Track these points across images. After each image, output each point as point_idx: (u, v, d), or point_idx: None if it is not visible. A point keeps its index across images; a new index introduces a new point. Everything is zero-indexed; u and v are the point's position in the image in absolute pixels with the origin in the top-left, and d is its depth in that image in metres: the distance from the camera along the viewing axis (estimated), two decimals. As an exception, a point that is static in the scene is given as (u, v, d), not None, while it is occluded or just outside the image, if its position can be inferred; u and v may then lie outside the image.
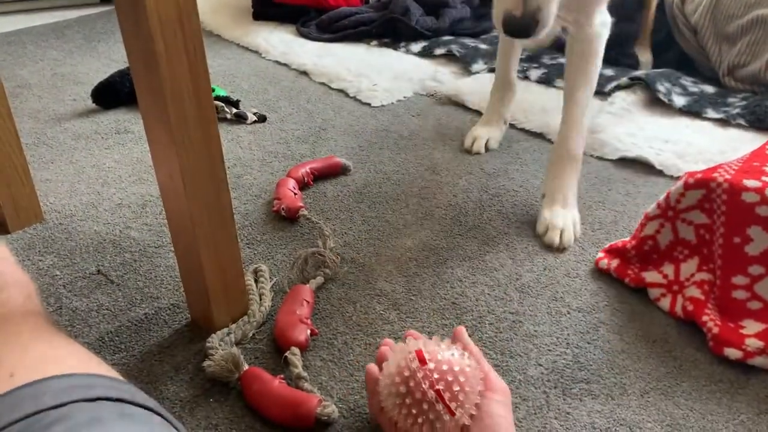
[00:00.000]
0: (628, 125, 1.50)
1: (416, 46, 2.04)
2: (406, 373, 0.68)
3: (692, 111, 1.54)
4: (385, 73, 1.86)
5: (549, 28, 0.92)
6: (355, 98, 1.75)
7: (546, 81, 1.75)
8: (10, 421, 0.41)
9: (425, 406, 0.66)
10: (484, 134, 1.43)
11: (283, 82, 1.87)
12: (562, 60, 1.87)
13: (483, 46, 2.00)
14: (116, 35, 2.28)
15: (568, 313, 0.96)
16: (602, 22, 1.13)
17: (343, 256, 1.09)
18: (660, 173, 1.34)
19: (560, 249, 1.10)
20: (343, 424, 0.79)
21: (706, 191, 0.90)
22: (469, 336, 0.91)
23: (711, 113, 1.52)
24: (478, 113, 1.59)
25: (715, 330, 0.87)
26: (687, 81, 1.68)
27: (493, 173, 1.35)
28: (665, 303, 0.95)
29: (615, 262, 1.03)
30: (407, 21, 2.09)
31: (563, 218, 1.13)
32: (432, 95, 1.76)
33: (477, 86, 1.74)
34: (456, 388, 0.67)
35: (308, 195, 1.28)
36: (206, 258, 0.85)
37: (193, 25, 0.73)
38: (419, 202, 1.25)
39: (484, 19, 2.20)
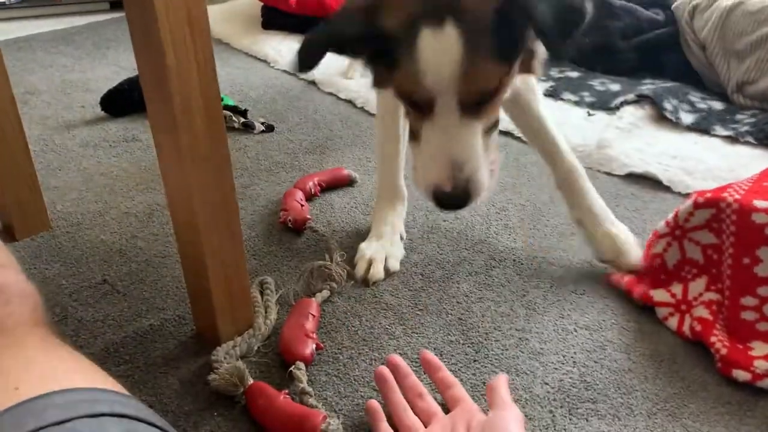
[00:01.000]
0: (636, 141, 1.50)
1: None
2: None
3: (700, 128, 1.54)
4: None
5: (485, 191, 0.83)
6: (362, 109, 1.75)
7: (553, 94, 1.75)
8: (14, 437, 0.41)
9: None
10: (380, 254, 1.08)
11: (292, 92, 1.88)
12: (570, 74, 1.87)
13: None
14: (125, 42, 2.29)
15: (575, 330, 0.96)
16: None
17: (349, 270, 1.08)
18: (668, 189, 1.34)
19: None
20: (348, 440, 0.78)
21: (715, 211, 0.90)
22: (475, 353, 0.91)
23: (719, 130, 1.52)
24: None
25: (724, 351, 0.86)
26: (695, 97, 1.68)
27: (500, 187, 1.35)
28: (673, 322, 0.95)
29: (627, 277, 1.02)
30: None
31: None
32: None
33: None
34: None
35: (315, 206, 1.28)
36: (212, 270, 0.85)
37: (204, 38, 0.73)
38: (426, 215, 1.25)
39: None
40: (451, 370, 0.87)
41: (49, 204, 1.25)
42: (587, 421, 0.81)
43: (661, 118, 1.59)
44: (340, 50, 0.85)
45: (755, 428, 0.80)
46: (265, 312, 0.96)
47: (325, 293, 1.01)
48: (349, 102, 1.80)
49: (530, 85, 1.06)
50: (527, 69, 0.86)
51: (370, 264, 1.07)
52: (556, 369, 0.89)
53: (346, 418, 0.81)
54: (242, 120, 1.62)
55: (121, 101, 1.69)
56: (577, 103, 1.69)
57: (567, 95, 1.73)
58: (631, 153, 1.44)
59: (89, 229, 1.21)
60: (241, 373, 0.82)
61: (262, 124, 1.62)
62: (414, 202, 1.27)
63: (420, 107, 0.82)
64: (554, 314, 0.99)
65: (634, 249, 1.05)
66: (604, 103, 1.65)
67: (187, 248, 0.87)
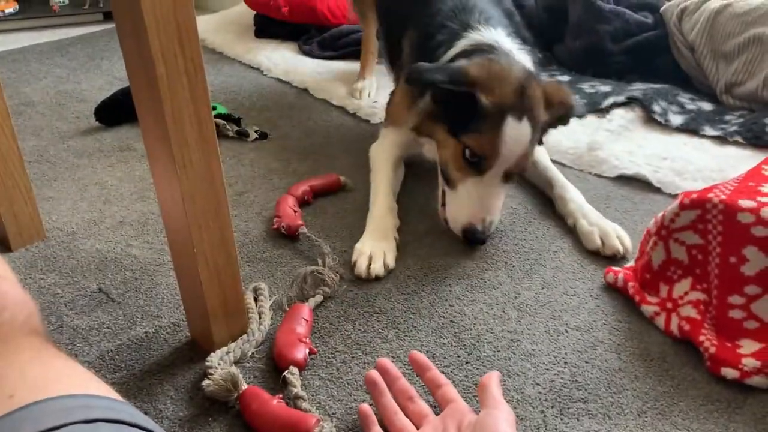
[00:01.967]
0: (626, 143, 1.51)
1: (416, 64, 2.06)
2: None
3: (690, 129, 1.55)
4: (384, 91, 1.88)
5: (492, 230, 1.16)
6: (354, 115, 1.77)
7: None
8: (9, 444, 0.42)
9: None
10: (378, 250, 1.12)
11: (285, 100, 1.89)
12: (560, 77, 1.89)
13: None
14: (119, 53, 2.28)
15: (566, 331, 0.97)
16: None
17: (342, 275, 1.09)
18: (658, 191, 1.35)
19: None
20: (341, 443, 0.79)
21: (701, 212, 0.91)
22: (467, 355, 0.92)
23: (708, 130, 1.53)
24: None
25: (712, 350, 0.87)
26: (684, 98, 1.69)
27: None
28: (660, 321, 0.96)
29: (622, 274, 1.03)
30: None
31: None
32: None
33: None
34: None
35: (308, 212, 1.29)
36: (206, 277, 0.86)
37: (193, 48, 0.74)
38: (419, 219, 1.26)
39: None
40: (443, 372, 0.88)
41: (43, 214, 1.26)
42: (578, 420, 0.82)
43: (650, 120, 1.60)
44: (437, 86, 1.12)
45: (744, 425, 0.81)
46: (259, 318, 0.97)
47: (318, 298, 1.02)
48: (342, 108, 1.81)
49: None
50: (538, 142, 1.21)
51: (370, 260, 1.10)
52: (547, 369, 0.90)
53: (340, 421, 0.82)
54: (236, 128, 1.63)
55: (115, 111, 1.70)
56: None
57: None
58: (621, 155, 1.46)
59: (84, 239, 1.21)
60: (235, 378, 0.83)
61: (256, 131, 1.64)
62: (409, 207, 1.28)
63: (475, 165, 1.12)
64: (546, 315, 1.00)
65: (615, 237, 1.15)
66: (594, 105, 1.67)
67: (180, 256, 0.88)
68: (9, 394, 0.47)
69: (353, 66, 2.10)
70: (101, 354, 0.93)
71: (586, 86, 1.80)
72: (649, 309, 0.98)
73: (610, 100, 1.66)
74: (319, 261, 1.10)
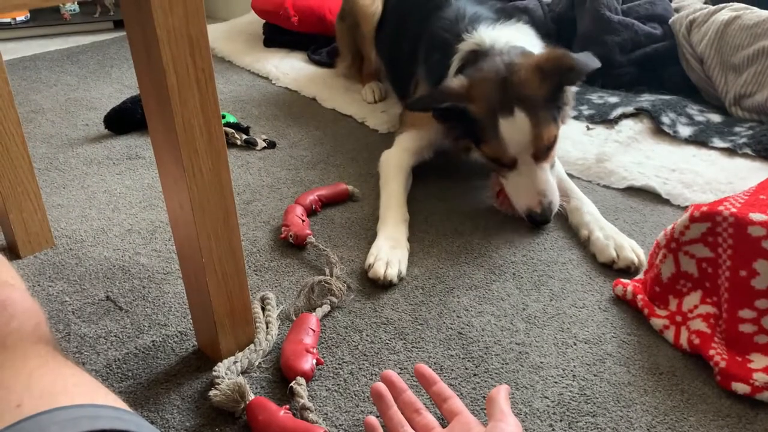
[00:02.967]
0: (635, 154, 1.51)
1: (424, 74, 2.07)
2: None
3: (698, 140, 1.55)
4: (392, 99, 1.88)
5: (556, 209, 1.23)
6: (363, 124, 1.77)
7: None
8: (16, 455, 0.42)
9: None
10: (394, 256, 1.13)
11: (293, 109, 1.90)
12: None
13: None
14: (129, 61, 2.32)
15: (575, 344, 0.96)
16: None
17: (350, 285, 1.09)
18: (667, 202, 1.34)
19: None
20: (348, 455, 0.79)
21: (711, 224, 0.90)
22: (475, 367, 0.91)
23: (717, 142, 1.53)
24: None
25: (723, 364, 0.86)
26: (693, 110, 1.69)
27: (500, 201, 1.35)
28: (669, 335, 0.95)
29: (632, 286, 1.03)
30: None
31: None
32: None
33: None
34: None
35: (316, 222, 1.29)
36: (214, 286, 0.86)
37: (204, 58, 0.74)
38: (426, 230, 1.26)
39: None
40: (451, 385, 0.87)
41: (52, 221, 1.27)
42: (587, 434, 0.81)
43: (659, 131, 1.60)
44: (438, 109, 1.25)
45: (755, 441, 0.80)
46: (266, 327, 0.97)
47: (326, 308, 1.02)
48: (350, 118, 1.81)
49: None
50: (562, 120, 1.27)
51: (387, 265, 1.11)
52: (555, 383, 0.89)
53: (347, 433, 0.81)
54: (244, 137, 1.64)
55: (125, 119, 1.71)
56: (576, 117, 1.70)
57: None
58: (630, 166, 1.45)
59: (92, 246, 1.22)
60: (242, 388, 0.82)
61: (264, 140, 1.64)
62: (416, 217, 1.28)
63: (505, 164, 1.22)
64: (554, 328, 0.99)
65: (630, 249, 1.14)
66: (603, 115, 1.66)
67: (188, 264, 0.88)
68: (17, 404, 0.47)
69: (361, 75, 2.11)
70: (108, 363, 0.93)
71: (595, 97, 1.80)
72: (658, 322, 0.97)
73: (619, 111, 1.66)
74: (327, 270, 1.10)
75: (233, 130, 1.64)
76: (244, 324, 0.93)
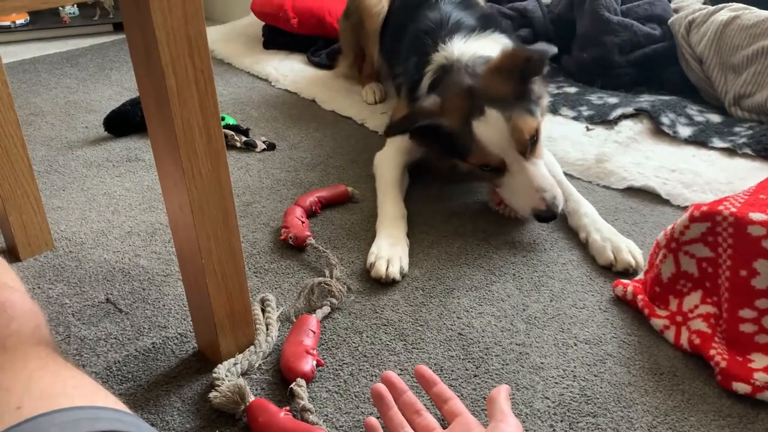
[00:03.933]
0: (635, 154, 1.51)
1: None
2: None
3: (698, 140, 1.55)
4: (392, 101, 1.88)
5: (562, 201, 1.20)
6: (362, 126, 1.77)
7: (552, 110, 1.76)
8: (16, 456, 0.42)
9: None
10: (395, 255, 1.14)
11: (293, 110, 1.90)
12: (568, 89, 1.89)
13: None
14: (129, 63, 2.31)
15: (575, 344, 0.96)
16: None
17: (350, 286, 1.09)
18: (667, 203, 1.34)
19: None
20: (348, 456, 0.78)
21: (711, 224, 0.90)
22: (475, 368, 0.91)
23: (717, 142, 1.53)
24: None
25: (723, 364, 0.86)
26: (693, 110, 1.69)
27: (499, 202, 1.35)
28: (670, 335, 0.95)
29: (632, 287, 1.03)
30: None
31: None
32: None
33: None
34: None
35: (316, 223, 1.29)
36: (213, 288, 0.86)
37: (203, 60, 0.74)
38: (426, 231, 1.26)
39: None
40: (451, 386, 0.87)
41: (52, 224, 1.27)
42: (588, 435, 0.81)
43: (659, 131, 1.60)
44: (414, 131, 1.26)
45: (756, 441, 0.80)
46: (266, 329, 0.97)
47: (326, 309, 1.02)
48: (350, 120, 1.81)
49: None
50: (541, 113, 1.24)
51: (388, 263, 1.11)
52: (556, 383, 0.89)
53: (347, 434, 0.81)
54: (244, 139, 1.64)
55: (124, 122, 1.71)
56: (575, 118, 1.70)
57: (565, 111, 1.74)
58: (629, 167, 1.45)
59: (92, 249, 1.22)
60: (242, 390, 0.82)
61: (264, 142, 1.64)
62: (416, 219, 1.28)
63: (497, 168, 1.20)
64: (554, 328, 0.99)
65: (628, 251, 1.13)
66: (603, 116, 1.66)
67: (188, 266, 0.88)
68: (17, 406, 0.47)
69: (361, 77, 2.11)
70: (108, 365, 0.93)
71: (594, 98, 1.80)
72: (658, 322, 0.97)
73: (618, 112, 1.66)
74: (327, 272, 1.10)
75: (233, 132, 1.64)
76: (244, 326, 0.92)
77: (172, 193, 0.82)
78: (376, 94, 1.90)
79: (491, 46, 1.35)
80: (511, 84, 1.19)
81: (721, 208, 0.90)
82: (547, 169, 1.23)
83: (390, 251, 1.14)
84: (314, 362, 0.90)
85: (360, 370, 0.92)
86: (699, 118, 1.65)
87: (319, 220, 1.30)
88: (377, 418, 0.81)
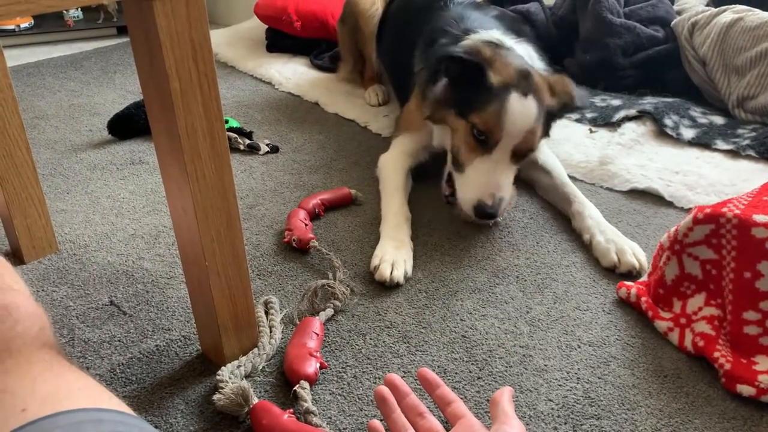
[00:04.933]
0: (638, 156, 1.51)
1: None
2: None
3: (702, 142, 1.54)
4: (394, 103, 1.88)
5: (506, 210, 1.22)
6: (365, 129, 1.77)
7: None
8: (21, 458, 0.42)
9: None
10: (399, 258, 1.13)
11: (296, 113, 1.90)
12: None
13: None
14: (132, 66, 2.32)
15: (579, 347, 0.96)
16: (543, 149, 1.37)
17: (353, 288, 1.09)
18: (670, 205, 1.34)
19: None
20: (352, 459, 0.78)
21: (714, 226, 0.90)
22: (479, 370, 0.91)
23: (721, 144, 1.53)
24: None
25: (727, 366, 0.86)
26: (696, 112, 1.69)
27: (503, 205, 1.35)
28: (674, 337, 0.95)
29: (635, 289, 1.02)
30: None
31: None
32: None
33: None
34: None
35: (319, 226, 1.29)
36: (217, 290, 0.86)
37: (207, 63, 0.74)
38: (429, 233, 1.26)
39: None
40: (454, 388, 0.87)
41: (56, 227, 1.27)
42: (591, 437, 0.81)
43: (662, 133, 1.60)
44: (450, 60, 1.22)
45: (761, 443, 0.80)
46: (270, 331, 0.97)
47: (329, 312, 1.02)
48: (353, 122, 1.82)
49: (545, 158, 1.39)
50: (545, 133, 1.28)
51: (393, 266, 1.11)
52: (560, 385, 0.89)
53: (351, 436, 0.81)
54: (247, 142, 1.64)
55: (128, 125, 1.72)
56: (578, 120, 1.70)
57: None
58: (633, 169, 1.45)
59: (96, 252, 1.22)
60: (245, 392, 0.82)
61: (267, 145, 1.64)
62: (419, 221, 1.28)
63: (483, 143, 1.18)
64: (558, 330, 0.99)
65: (631, 254, 1.13)
66: (606, 118, 1.66)
67: (192, 269, 0.88)
68: (21, 408, 0.47)
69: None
70: (112, 367, 0.93)
71: (597, 100, 1.80)
72: (662, 324, 0.97)
73: (622, 114, 1.66)
74: (330, 274, 1.10)
75: (236, 135, 1.65)
76: (247, 328, 0.93)
77: (175, 196, 0.82)
78: (379, 96, 1.90)
79: (533, 55, 1.36)
80: (551, 100, 1.23)
81: (724, 210, 0.89)
82: (551, 171, 1.23)
83: (394, 254, 1.13)
84: (317, 364, 0.90)
85: (363, 372, 0.92)
86: (702, 120, 1.65)
87: (322, 223, 1.30)
88: (380, 420, 0.81)
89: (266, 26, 2.47)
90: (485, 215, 1.18)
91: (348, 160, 1.58)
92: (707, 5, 1.91)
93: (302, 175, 1.51)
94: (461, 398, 0.82)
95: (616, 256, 1.12)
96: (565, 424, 0.83)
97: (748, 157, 1.48)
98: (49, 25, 2.90)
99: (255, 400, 0.83)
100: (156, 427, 0.83)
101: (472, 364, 0.93)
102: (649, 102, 1.72)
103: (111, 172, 1.54)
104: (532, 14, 2.07)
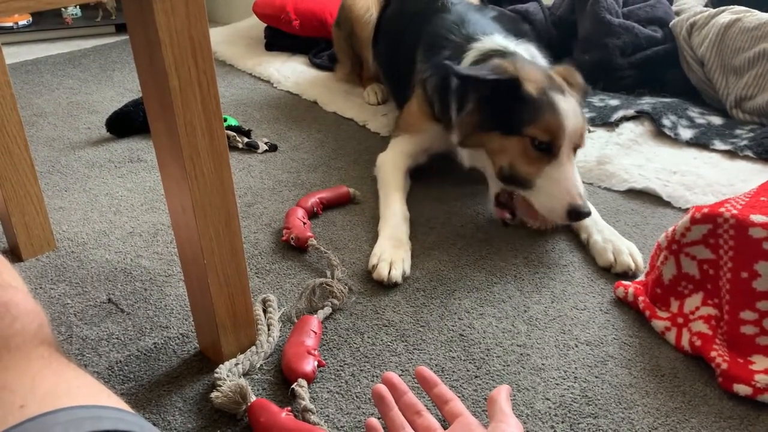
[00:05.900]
0: (636, 156, 1.51)
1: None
2: None
3: (699, 143, 1.55)
4: (393, 103, 1.88)
5: None
6: (364, 128, 1.77)
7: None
8: (19, 455, 0.42)
9: None
10: (397, 257, 1.13)
11: (295, 112, 1.90)
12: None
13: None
14: (131, 64, 2.32)
15: (576, 346, 0.96)
16: None
17: (351, 287, 1.09)
18: (668, 205, 1.34)
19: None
20: (350, 457, 0.79)
21: (712, 226, 0.90)
22: (477, 369, 0.91)
23: (718, 145, 1.53)
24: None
25: (724, 366, 0.86)
26: (694, 112, 1.69)
27: (501, 204, 1.35)
28: (671, 336, 0.95)
29: (633, 288, 1.03)
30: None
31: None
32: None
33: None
34: None
35: (317, 224, 1.29)
36: (215, 288, 0.86)
37: (206, 61, 0.74)
38: (427, 232, 1.26)
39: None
40: (452, 387, 0.87)
41: (54, 224, 1.27)
42: (588, 436, 0.81)
43: (660, 133, 1.60)
44: (479, 83, 1.19)
45: (757, 442, 0.80)
46: (268, 329, 0.97)
47: (327, 310, 1.02)
48: (351, 121, 1.82)
49: None
50: None
51: (391, 266, 1.10)
52: (557, 384, 0.89)
53: (348, 434, 0.81)
54: (246, 140, 1.64)
55: (126, 123, 1.72)
56: (577, 120, 1.70)
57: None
58: (630, 169, 1.45)
59: (94, 249, 1.22)
60: (243, 390, 0.83)
61: (266, 143, 1.64)
62: (417, 220, 1.28)
63: (546, 151, 1.15)
64: (555, 330, 1.00)
65: (628, 254, 1.13)
66: (604, 118, 1.67)
67: (190, 267, 0.88)
68: (20, 405, 0.47)
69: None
70: (110, 365, 0.93)
71: (596, 100, 1.80)
72: (659, 324, 0.97)
73: (620, 114, 1.66)
74: (328, 273, 1.10)
75: (235, 133, 1.65)
76: (245, 326, 0.93)
77: (174, 194, 0.83)
78: (378, 95, 1.90)
79: (531, 53, 1.37)
80: (576, 93, 1.23)
81: (722, 210, 0.90)
82: None
83: (392, 254, 1.13)
84: (315, 363, 0.90)
85: (361, 370, 0.92)
86: (700, 121, 1.65)
87: (320, 221, 1.31)
88: (378, 418, 0.81)
89: (265, 25, 2.47)
90: (581, 216, 1.14)
91: (346, 159, 1.58)
92: (706, 6, 1.92)
93: (301, 173, 1.51)
94: (459, 396, 0.83)
95: (612, 255, 1.13)
96: (563, 422, 0.83)
97: (746, 157, 1.48)
98: (47, 22, 2.90)
99: (253, 398, 0.83)
100: (154, 424, 0.83)
101: (470, 362, 0.93)
102: (647, 102, 1.73)
103: (109, 170, 1.54)
104: (530, 14, 2.08)
